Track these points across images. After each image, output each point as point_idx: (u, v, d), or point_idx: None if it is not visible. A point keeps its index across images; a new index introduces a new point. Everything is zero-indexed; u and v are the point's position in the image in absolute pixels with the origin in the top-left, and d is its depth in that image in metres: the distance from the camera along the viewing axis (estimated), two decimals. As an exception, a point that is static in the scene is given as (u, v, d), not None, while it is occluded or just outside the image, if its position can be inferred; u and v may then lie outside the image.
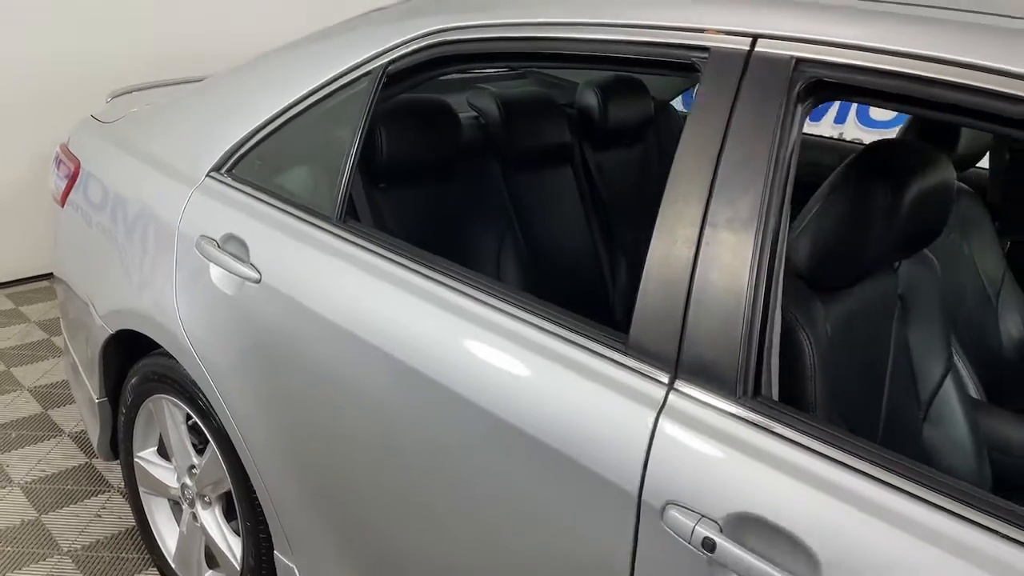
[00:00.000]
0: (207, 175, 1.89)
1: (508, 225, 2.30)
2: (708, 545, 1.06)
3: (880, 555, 0.95)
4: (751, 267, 1.12)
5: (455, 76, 2.93)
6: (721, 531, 1.06)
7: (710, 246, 1.15)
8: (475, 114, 2.40)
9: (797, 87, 1.14)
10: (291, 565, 1.82)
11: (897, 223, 1.32)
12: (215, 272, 1.77)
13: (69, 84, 3.86)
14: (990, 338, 2.19)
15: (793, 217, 1.21)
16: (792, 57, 1.15)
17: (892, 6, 1.16)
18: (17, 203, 4.05)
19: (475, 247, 2.23)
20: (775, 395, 1.15)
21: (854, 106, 5.03)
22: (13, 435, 2.97)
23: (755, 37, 1.19)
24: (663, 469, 1.12)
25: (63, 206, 2.34)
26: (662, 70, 1.31)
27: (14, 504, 2.62)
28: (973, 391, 1.90)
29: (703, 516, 1.07)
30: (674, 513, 1.09)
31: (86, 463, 2.83)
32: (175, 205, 1.90)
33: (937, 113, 1.09)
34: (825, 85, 1.14)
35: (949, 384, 1.60)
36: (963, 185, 2.25)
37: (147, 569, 2.36)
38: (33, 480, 2.73)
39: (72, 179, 2.32)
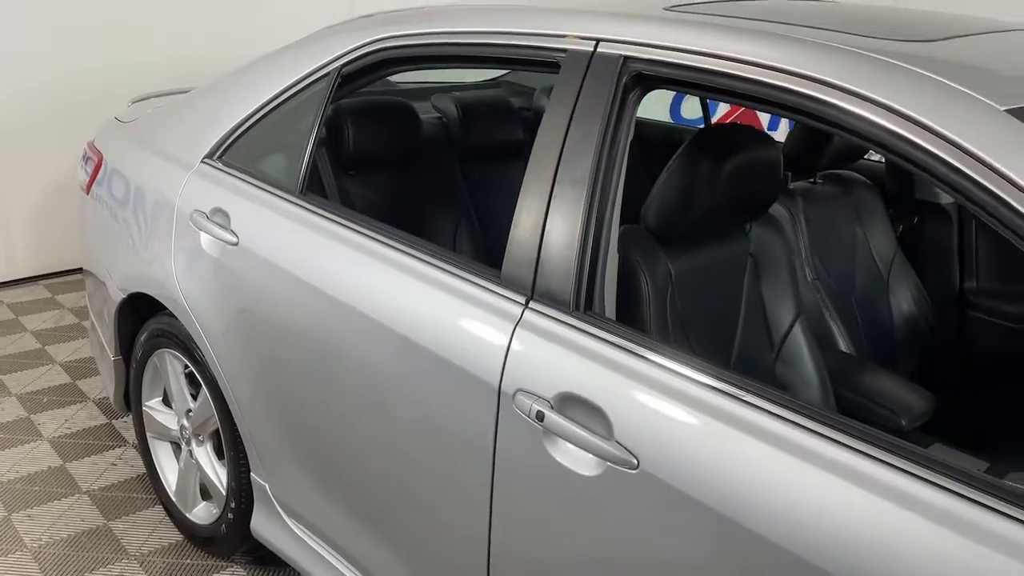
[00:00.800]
0: (201, 161, 2.29)
1: (463, 209, 2.67)
2: (539, 417, 1.41)
3: (651, 413, 1.30)
4: (584, 215, 1.48)
5: (437, 84, 3.34)
6: (551, 407, 1.42)
7: (556, 200, 1.52)
8: (439, 114, 2.79)
9: (624, 79, 1.51)
10: (263, 483, 2.19)
11: (720, 191, 1.68)
12: (204, 239, 2.16)
13: (97, 93, 4.29)
14: (882, 312, 2.51)
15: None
16: (621, 55, 1.52)
17: (698, 16, 1.53)
18: (53, 203, 4.51)
19: (433, 226, 2.60)
20: (610, 314, 1.50)
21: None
22: (45, 400, 3.39)
23: (598, 40, 1.56)
24: (515, 366, 1.48)
25: (88, 194, 2.75)
26: (537, 67, 1.68)
27: (43, 454, 3.02)
28: (843, 346, 2.23)
29: (539, 396, 1.43)
30: (521, 397, 1.45)
31: (106, 423, 3.23)
32: (175, 186, 2.30)
33: (727, 98, 1.45)
34: (645, 77, 1.51)
35: (798, 329, 1.94)
36: (860, 176, 2.59)
37: (153, 506, 2.74)
38: (60, 435, 3.14)
39: (96, 171, 2.73)
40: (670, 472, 1.28)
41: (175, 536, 2.62)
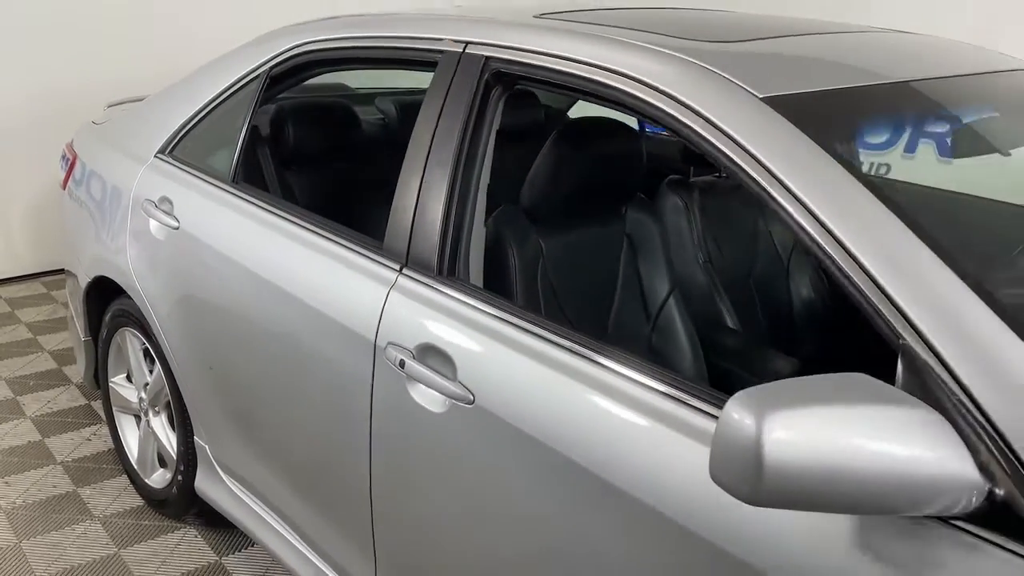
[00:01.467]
0: (154, 156, 2.55)
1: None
2: (401, 364, 1.65)
3: (487, 358, 1.53)
4: (448, 192, 1.71)
5: (389, 89, 3.59)
6: (413, 356, 1.65)
7: (427, 180, 1.75)
8: (381, 115, 3.04)
9: (486, 76, 1.74)
10: (204, 444, 2.44)
11: (580, 177, 1.91)
12: (152, 224, 2.42)
13: (95, 98, 4.58)
14: (781, 295, 2.72)
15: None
16: (484, 56, 1.76)
17: (551, 22, 1.77)
18: (52, 204, 4.78)
19: (370, 217, 2.84)
20: (475, 280, 1.73)
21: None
22: (31, 383, 3.65)
23: (466, 43, 1.80)
24: (388, 323, 1.71)
25: (64, 189, 3.02)
26: (421, 66, 1.92)
27: (25, 430, 3.29)
28: (730, 323, 2.45)
29: (403, 347, 1.66)
30: (390, 349, 1.69)
31: (85, 404, 3.49)
32: (131, 179, 2.56)
33: (562, 91, 1.68)
34: (503, 75, 1.74)
35: (672, 303, 2.16)
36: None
37: (120, 476, 2.99)
38: (42, 414, 3.40)
39: (70, 168, 3.00)
40: (500, 406, 1.50)
41: (137, 501, 2.87)
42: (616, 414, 1.35)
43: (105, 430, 3.26)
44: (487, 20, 1.83)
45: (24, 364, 3.82)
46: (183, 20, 4.92)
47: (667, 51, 1.53)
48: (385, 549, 1.80)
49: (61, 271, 4.89)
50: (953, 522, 1.03)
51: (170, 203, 2.37)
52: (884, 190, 1.23)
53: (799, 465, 0.97)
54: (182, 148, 2.50)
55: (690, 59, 1.49)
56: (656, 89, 1.46)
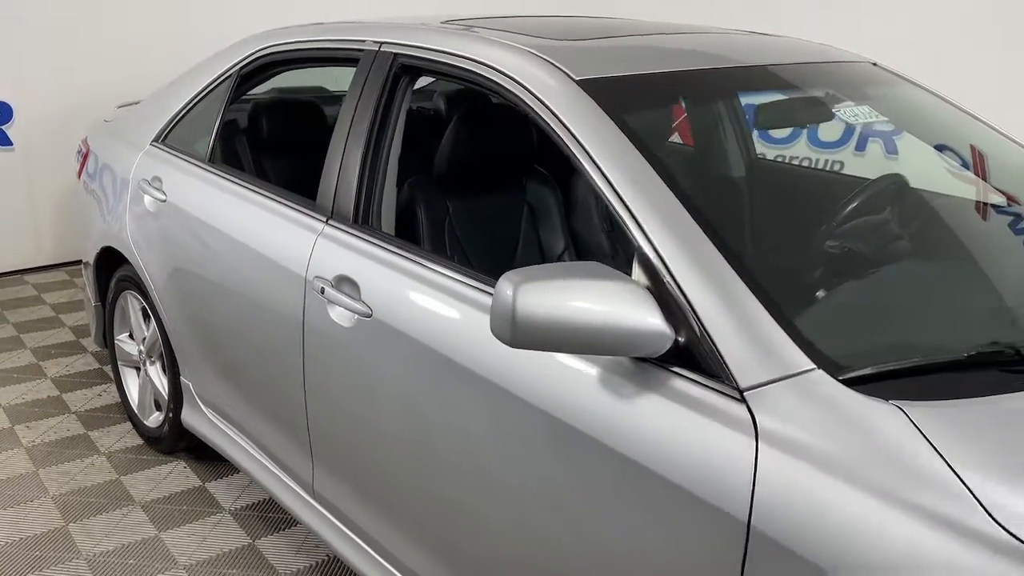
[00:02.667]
0: (150, 144, 3.06)
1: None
2: (322, 291, 2.13)
3: (382, 281, 2.00)
4: (362, 160, 2.19)
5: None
6: (331, 285, 2.12)
7: (348, 149, 2.24)
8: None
9: (394, 69, 2.23)
10: (188, 383, 2.93)
11: (474, 151, 2.38)
12: (146, 200, 2.92)
13: (103, 102, 5.13)
14: None
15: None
16: (392, 53, 2.24)
17: (449, 26, 2.25)
18: (73, 200, 5.34)
19: (313, 183, 3.32)
20: (387, 229, 2.20)
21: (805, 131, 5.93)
22: (52, 351, 4.18)
23: (381, 43, 2.28)
24: (315, 261, 2.19)
25: (79, 178, 3.54)
26: (350, 63, 2.40)
27: (46, 388, 3.80)
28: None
29: (324, 279, 2.14)
30: (315, 281, 2.16)
31: (98, 368, 4.00)
32: (131, 164, 3.07)
33: (449, 80, 2.16)
34: (407, 68, 2.22)
35: (566, 257, 2.62)
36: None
37: (124, 422, 3.49)
38: (60, 375, 3.92)
39: (84, 160, 3.53)
40: (390, 317, 1.97)
41: (137, 441, 3.37)
42: (458, 310, 1.82)
43: (113, 388, 3.76)
44: (398, 25, 2.32)
45: (47, 336, 4.35)
46: (196, 26, 5.45)
47: (518, 46, 2.00)
48: (318, 447, 2.28)
49: (80, 262, 5.46)
50: (654, 361, 1.49)
51: (160, 181, 2.88)
52: (650, 148, 1.69)
53: (541, 318, 1.43)
54: (172, 137, 3.00)
55: (532, 51, 1.96)
56: (504, 74, 1.93)
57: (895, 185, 2.11)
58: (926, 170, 2.32)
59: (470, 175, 2.44)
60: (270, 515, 2.90)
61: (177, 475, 3.15)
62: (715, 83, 2.07)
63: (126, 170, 3.08)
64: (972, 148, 2.21)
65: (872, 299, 1.75)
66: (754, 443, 1.34)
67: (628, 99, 1.85)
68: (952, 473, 1.19)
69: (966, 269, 1.90)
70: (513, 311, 1.43)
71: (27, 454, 3.26)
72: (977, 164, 2.20)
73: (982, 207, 2.17)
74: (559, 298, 1.43)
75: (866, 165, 4.33)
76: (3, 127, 5.15)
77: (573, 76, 1.86)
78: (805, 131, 5.49)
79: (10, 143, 5.19)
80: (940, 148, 2.22)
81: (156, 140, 3.05)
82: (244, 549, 2.73)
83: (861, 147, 5.64)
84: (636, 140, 1.70)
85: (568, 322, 1.43)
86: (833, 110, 2.18)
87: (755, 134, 5.93)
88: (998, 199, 2.16)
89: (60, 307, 4.76)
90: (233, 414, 2.71)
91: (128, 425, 3.46)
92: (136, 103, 3.75)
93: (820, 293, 1.69)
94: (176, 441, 3.16)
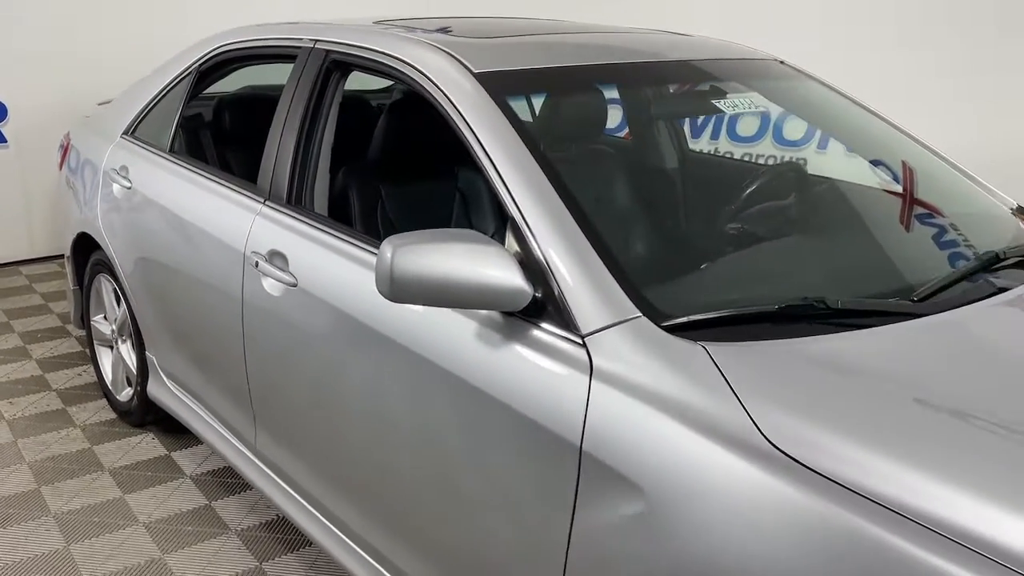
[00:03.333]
0: (120, 136, 3.30)
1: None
2: (256, 264, 2.35)
3: (306, 254, 2.23)
4: (296, 147, 2.42)
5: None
6: (264, 259, 2.35)
7: (284, 137, 2.46)
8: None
9: (326, 64, 2.46)
10: (152, 357, 3.17)
11: (402, 140, 2.60)
12: (115, 188, 3.16)
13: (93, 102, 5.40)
14: None
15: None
16: (325, 50, 2.47)
17: (378, 27, 2.48)
18: (64, 195, 5.60)
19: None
20: (320, 210, 2.43)
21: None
22: (39, 335, 4.43)
23: (316, 40, 2.52)
24: (252, 238, 2.41)
25: (60, 169, 3.79)
26: (290, 60, 2.63)
27: (30, 368, 4.04)
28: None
29: (259, 253, 2.37)
30: (252, 255, 2.39)
31: (81, 351, 4.24)
32: (102, 155, 3.31)
33: (373, 74, 2.38)
34: (338, 63, 2.45)
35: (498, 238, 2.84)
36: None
37: (100, 399, 3.73)
38: (44, 357, 4.16)
39: (65, 153, 3.77)
40: (313, 286, 2.20)
41: (111, 415, 3.60)
42: (367, 278, 2.04)
43: (92, 369, 4.00)
44: (331, 25, 2.55)
45: (35, 322, 4.60)
46: (183, 28, 5.69)
47: (429, 43, 2.22)
48: (258, 407, 2.50)
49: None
50: (519, 315, 1.71)
51: (127, 170, 3.12)
52: (528, 131, 1.92)
53: (413, 275, 1.65)
54: (140, 129, 3.24)
55: (441, 47, 2.18)
56: (414, 67, 2.16)
57: (753, 167, 2.33)
58: (811, 156, 2.54)
59: (402, 163, 2.66)
60: (228, 480, 3.13)
61: (145, 445, 3.38)
62: (597, 76, 2.29)
63: (98, 161, 3.32)
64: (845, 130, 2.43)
65: (701, 262, 1.97)
66: (588, 379, 1.55)
67: (517, 90, 2.07)
68: (738, 401, 1.41)
69: (800, 238, 2.12)
70: (391, 269, 1.65)
71: (8, 426, 3.49)
72: (849, 144, 2.44)
73: (841, 186, 2.39)
74: (432, 259, 1.65)
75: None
76: (-2, 125, 5.41)
77: (472, 69, 2.08)
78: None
79: (5, 141, 5.45)
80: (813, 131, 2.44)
81: (125, 132, 3.29)
82: (201, 509, 2.96)
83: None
84: (518, 126, 1.92)
85: (439, 279, 1.65)
86: (714, 102, 2.40)
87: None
88: (867, 179, 2.38)
89: (49, 296, 5.02)
90: (189, 383, 2.94)
91: (104, 401, 3.70)
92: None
93: (656, 257, 1.91)
94: (144, 413, 3.40)
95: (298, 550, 2.75)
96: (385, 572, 2.10)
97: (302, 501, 2.42)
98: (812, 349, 1.56)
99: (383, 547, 2.09)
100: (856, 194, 2.38)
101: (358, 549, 2.18)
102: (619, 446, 1.49)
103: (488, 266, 1.67)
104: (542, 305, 1.68)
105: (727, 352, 1.50)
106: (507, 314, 1.73)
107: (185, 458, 3.29)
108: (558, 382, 1.60)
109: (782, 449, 1.35)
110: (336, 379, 2.12)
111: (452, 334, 1.80)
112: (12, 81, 5.36)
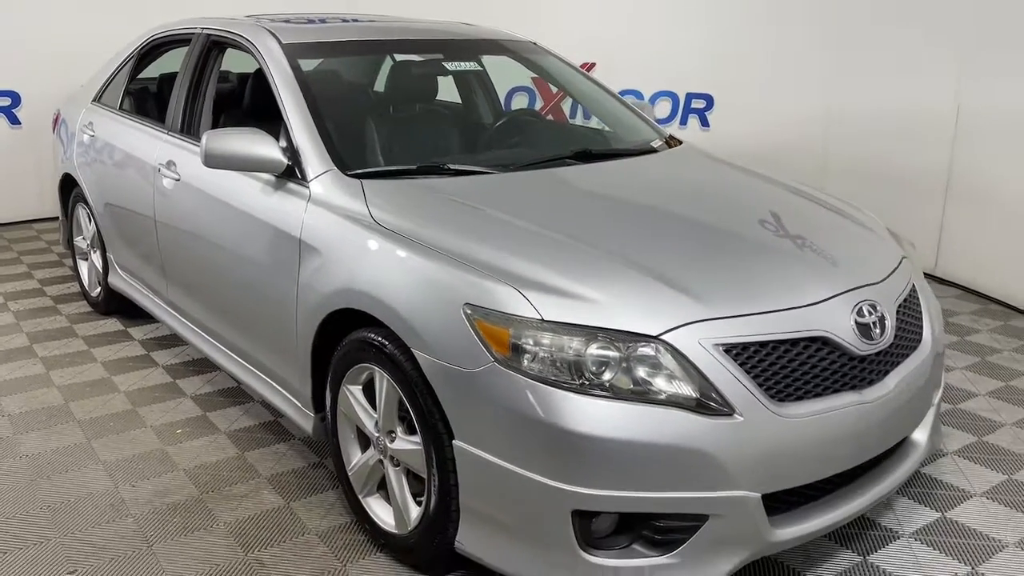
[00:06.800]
0: (91, 102, 4.65)
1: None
2: (159, 169, 3.67)
3: (185, 162, 3.55)
4: (187, 95, 3.75)
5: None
6: (165, 166, 3.67)
7: (178, 91, 3.79)
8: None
9: (207, 45, 3.78)
10: (110, 256, 4.50)
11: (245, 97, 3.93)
12: (84, 138, 4.51)
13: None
14: None
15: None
16: (207, 34, 3.79)
17: (253, 17, 3.80)
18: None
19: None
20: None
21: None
22: (41, 265, 5.78)
23: (203, 28, 3.84)
24: (159, 153, 3.74)
25: (54, 132, 5.15)
26: (186, 44, 3.94)
27: (32, 284, 5.40)
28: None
29: (161, 163, 3.69)
30: (157, 165, 3.71)
31: (70, 275, 5.60)
32: (77, 116, 4.67)
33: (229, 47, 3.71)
34: (215, 43, 3.77)
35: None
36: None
37: (80, 301, 5.07)
38: (46, 277, 5.52)
39: (56, 119, 5.14)
40: (188, 179, 3.50)
41: (87, 309, 4.93)
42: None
43: (108, 320, 5.34)
44: (215, 18, 3.86)
45: (39, 258, 5.97)
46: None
47: (262, 26, 3.52)
48: (167, 268, 3.81)
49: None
50: (283, 176, 3.01)
51: (92, 125, 4.47)
52: (304, 76, 3.22)
53: (217, 150, 2.94)
54: (104, 96, 4.59)
55: (267, 29, 3.48)
56: (250, 42, 3.46)
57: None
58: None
59: (253, 105, 3.94)
60: (174, 348, 4.43)
61: (111, 326, 4.71)
62: (363, 46, 3.60)
63: (74, 121, 4.68)
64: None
65: (381, 143, 3.25)
66: (307, 203, 2.85)
67: (308, 53, 3.38)
68: (365, 204, 2.70)
69: (454, 132, 3.45)
70: (204, 147, 2.95)
71: (13, 315, 4.85)
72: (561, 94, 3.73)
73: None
74: (227, 142, 2.95)
75: (686, 135, 5.85)
76: (14, 110, 6.79)
77: (282, 41, 3.39)
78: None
79: (19, 123, 6.83)
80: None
81: (95, 100, 4.64)
82: (141, 357, 4.28)
83: (684, 122, 7.21)
84: (297, 73, 3.22)
85: (229, 154, 2.95)
86: (448, 66, 3.70)
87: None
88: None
89: (53, 242, 6.39)
90: (132, 268, 4.26)
91: (83, 302, 5.04)
92: (95, 82, 5.36)
93: (356, 140, 3.20)
94: (108, 303, 4.73)
95: (253, 417, 4.05)
96: (235, 356, 3.38)
97: (192, 326, 3.73)
98: (419, 184, 2.85)
99: (229, 336, 3.39)
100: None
101: (221, 347, 3.48)
102: (315, 234, 2.78)
103: (260, 146, 2.96)
104: (291, 170, 2.98)
105: (373, 185, 2.79)
106: (276, 177, 3.03)
107: (139, 332, 4.61)
108: (293, 206, 2.89)
109: (380, 223, 2.63)
110: (200, 232, 3.44)
111: (246, 190, 3.11)
112: (25, 75, 6.74)
